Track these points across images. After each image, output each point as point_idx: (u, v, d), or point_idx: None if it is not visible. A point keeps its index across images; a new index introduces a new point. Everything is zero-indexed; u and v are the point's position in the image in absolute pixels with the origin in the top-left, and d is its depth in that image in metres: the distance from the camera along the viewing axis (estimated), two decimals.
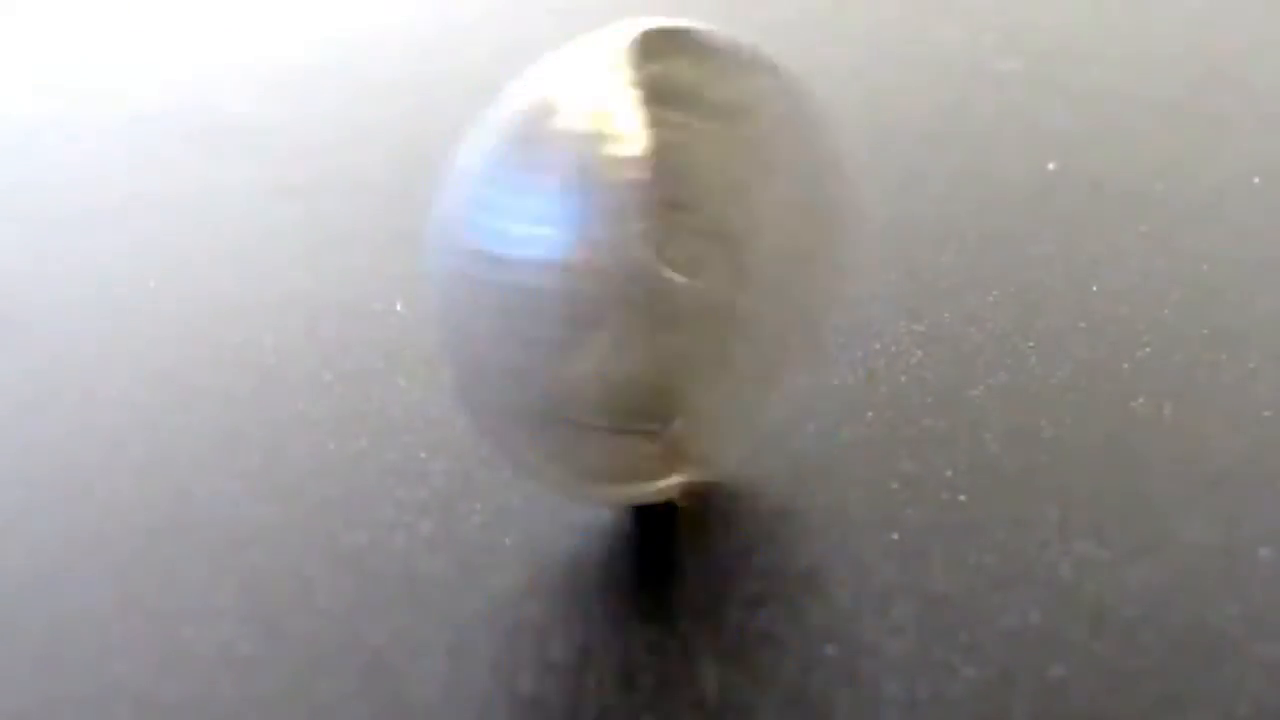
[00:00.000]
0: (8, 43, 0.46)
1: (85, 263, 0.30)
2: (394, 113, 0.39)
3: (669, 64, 0.20)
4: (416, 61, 0.43)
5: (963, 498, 0.21)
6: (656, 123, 0.19)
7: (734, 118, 0.20)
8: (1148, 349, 0.25)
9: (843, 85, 0.39)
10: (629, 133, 0.19)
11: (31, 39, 0.46)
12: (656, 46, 0.19)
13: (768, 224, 0.20)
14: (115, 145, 0.37)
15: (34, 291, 0.29)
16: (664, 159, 0.19)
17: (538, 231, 0.18)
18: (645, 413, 0.20)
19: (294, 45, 0.46)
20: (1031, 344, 0.26)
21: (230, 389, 0.25)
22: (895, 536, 0.21)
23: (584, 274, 0.18)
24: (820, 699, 0.18)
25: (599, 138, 0.19)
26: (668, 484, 0.21)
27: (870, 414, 0.23)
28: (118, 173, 0.35)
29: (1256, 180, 0.33)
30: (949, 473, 0.22)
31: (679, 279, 0.20)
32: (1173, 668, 0.18)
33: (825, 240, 0.20)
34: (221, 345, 0.27)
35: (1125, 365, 0.25)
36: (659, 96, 0.19)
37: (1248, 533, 0.21)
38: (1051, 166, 0.34)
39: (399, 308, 0.27)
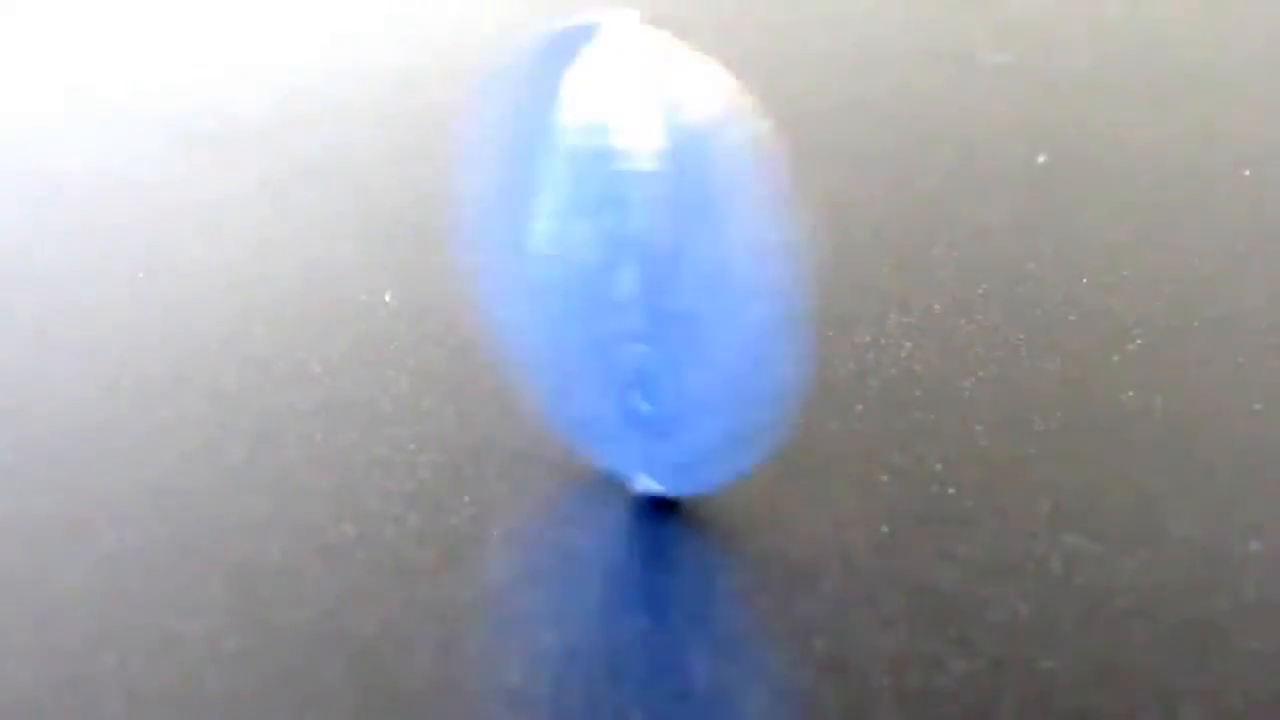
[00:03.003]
0: (8, 43, 0.46)
1: (75, 256, 0.30)
2: (382, 105, 0.38)
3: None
4: (404, 53, 0.43)
5: (952, 490, 0.21)
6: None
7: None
8: (1138, 341, 0.25)
9: (833, 78, 0.39)
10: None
11: (31, 39, 0.46)
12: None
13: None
14: (107, 141, 0.37)
15: (23, 283, 0.29)
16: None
17: None
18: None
19: (283, 41, 0.46)
20: (1022, 336, 0.26)
21: (217, 380, 0.25)
22: (885, 529, 0.21)
23: None
24: (809, 691, 0.18)
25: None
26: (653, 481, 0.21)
27: (860, 407, 0.23)
28: (109, 168, 0.35)
29: (1247, 173, 0.33)
30: (938, 465, 0.22)
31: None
32: (1163, 661, 0.18)
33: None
34: (209, 336, 0.26)
35: (1116, 358, 0.25)
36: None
37: (1239, 526, 0.21)
38: (1042, 159, 0.34)
39: (387, 299, 0.27)
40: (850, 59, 0.41)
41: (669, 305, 0.20)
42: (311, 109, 0.39)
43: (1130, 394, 0.24)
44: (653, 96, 0.19)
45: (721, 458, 0.20)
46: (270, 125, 0.37)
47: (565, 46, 0.20)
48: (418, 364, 0.25)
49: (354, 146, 0.36)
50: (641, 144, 0.19)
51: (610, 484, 0.21)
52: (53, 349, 0.26)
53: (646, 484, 0.21)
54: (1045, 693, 0.18)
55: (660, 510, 0.21)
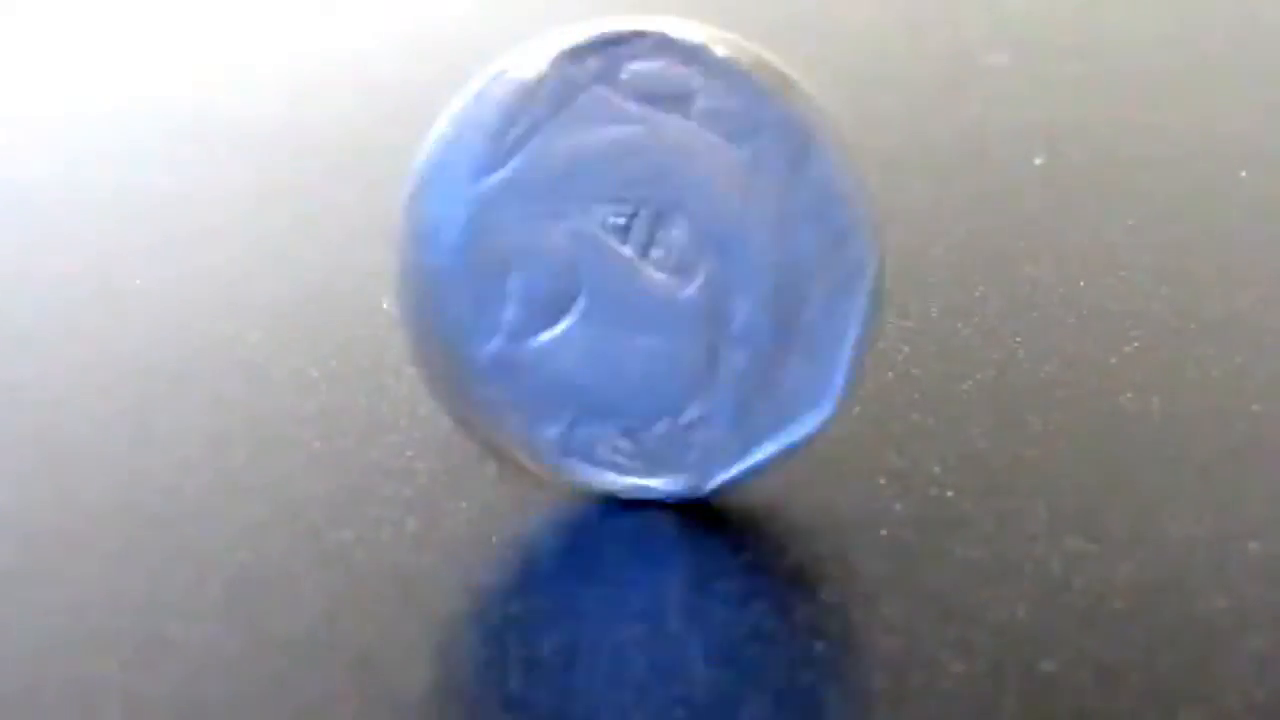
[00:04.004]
0: (8, 43, 0.46)
1: (72, 259, 0.30)
2: (382, 112, 0.38)
3: (651, 63, 0.19)
4: (407, 63, 0.43)
5: (950, 493, 0.21)
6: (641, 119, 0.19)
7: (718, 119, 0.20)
8: (1136, 343, 0.25)
9: (828, 79, 0.39)
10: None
11: (31, 39, 0.46)
12: (636, 45, 0.19)
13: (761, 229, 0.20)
14: (106, 142, 0.37)
15: (21, 286, 0.29)
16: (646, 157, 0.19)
17: None
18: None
19: (285, 45, 0.46)
20: (1019, 339, 0.26)
21: (216, 386, 0.25)
22: (883, 532, 0.21)
23: None
24: (809, 695, 0.18)
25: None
26: (650, 484, 0.21)
27: (857, 409, 0.23)
28: (108, 169, 0.35)
29: (1243, 174, 0.33)
30: (937, 468, 0.22)
31: (659, 277, 0.20)
32: (1162, 661, 0.18)
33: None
34: (207, 342, 0.26)
35: (1113, 359, 0.25)
36: (643, 95, 0.19)
37: (1237, 526, 0.20)
38: (1039, 161, 0.34)
39: (385, 305, 0.27)
40: (846, 59, 0.41)
41: (674, 304, 0.20)
42: (312, 113, 0.39)
43: (1128, 395, 0.24)
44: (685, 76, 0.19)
45: (726, 462, 0.20)
46: (270, 129, 0.37)
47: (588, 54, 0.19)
48: (415, 371, 0.25)
49: (354, 151, 0.36)
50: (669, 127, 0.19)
51: (609, 488, 0.21)
52: (50, 353, 0.26)
53: (646, 489, 0.21)
54: (1045, 694, 0.17)
55: (659, 514, 0.21)
